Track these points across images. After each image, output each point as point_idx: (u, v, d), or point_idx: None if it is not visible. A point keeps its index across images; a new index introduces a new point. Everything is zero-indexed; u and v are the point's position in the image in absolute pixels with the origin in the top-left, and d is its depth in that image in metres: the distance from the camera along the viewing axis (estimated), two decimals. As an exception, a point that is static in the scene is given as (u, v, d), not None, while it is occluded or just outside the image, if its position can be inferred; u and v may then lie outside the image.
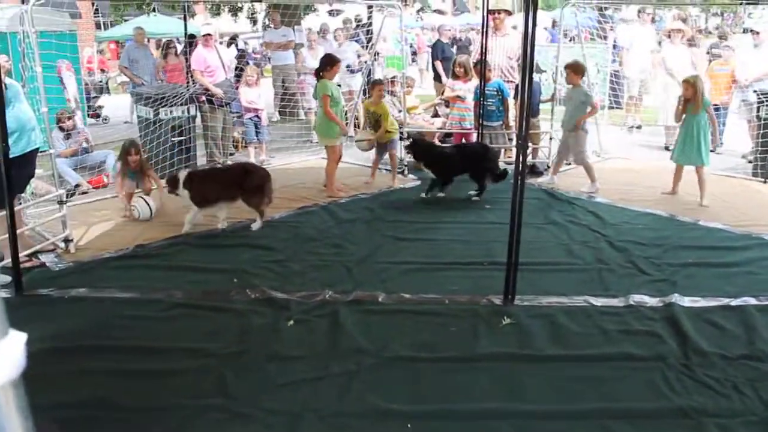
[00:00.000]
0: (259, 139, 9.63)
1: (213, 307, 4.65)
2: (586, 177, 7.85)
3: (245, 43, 20.07)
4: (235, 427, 3.31)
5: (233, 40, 16.96)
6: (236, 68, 11.63)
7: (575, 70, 7.83)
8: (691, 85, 7.28)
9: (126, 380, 3.71)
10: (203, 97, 8.90)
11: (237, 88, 9.82)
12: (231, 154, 9.67)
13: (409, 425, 3.30)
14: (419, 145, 7.60)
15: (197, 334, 4.26)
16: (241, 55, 14.13)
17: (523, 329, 4.30)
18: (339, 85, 8.86)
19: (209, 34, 9.76)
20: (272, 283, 5.02)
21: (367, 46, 10.69)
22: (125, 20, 23.16)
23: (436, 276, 5.18)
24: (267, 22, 13.57)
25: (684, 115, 7.37)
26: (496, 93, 8.45)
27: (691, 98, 7.28)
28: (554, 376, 3.77)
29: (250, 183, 6.30)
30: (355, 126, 10.19)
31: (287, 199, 7.26)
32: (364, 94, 9.24)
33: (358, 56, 10.68)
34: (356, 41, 11.34)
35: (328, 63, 7.47)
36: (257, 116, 9.50)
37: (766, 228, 6.37)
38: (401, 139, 8.49)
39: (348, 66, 10.57)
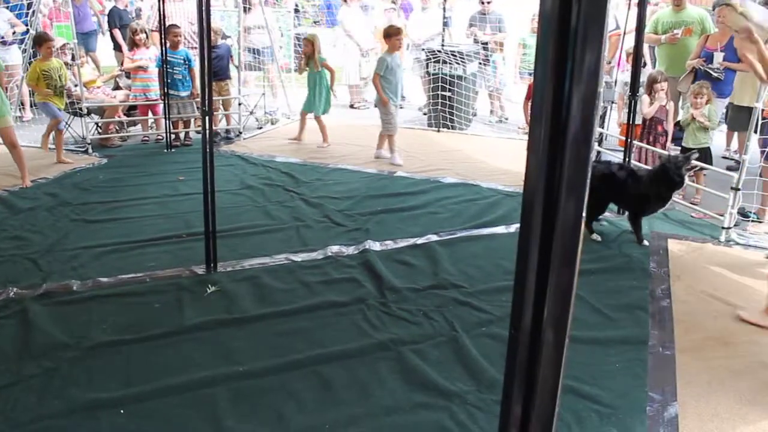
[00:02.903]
0: None
1: None
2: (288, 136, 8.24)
3: None
4: None
5: None
6: None
7: (404, 34, 7.80)
8: (310, 43, 7.97)
9: None
10: None
11: None
12: None
13: (122, 411, 3.18)
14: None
15: None
16: None
17: (229, 294, 4.37)
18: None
19: None
20: (-61, 291, 4.39)
21: (27, 14, 9.54)
22: None
23: (134, 255, 4.98)
24: None
25: (307, 70, 8.20)
26: (183, 62, 8.22)
27: (311, 55, 7.97)
28: (263, 335, 3.90)
29: None
30: (21, 105, 9.22)
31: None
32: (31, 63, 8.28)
33: (12, 26, 9.46)
34: (12, 8, 10.03)
35: None
36: None
37: (441, 172, 7.20)
38: (78, 114, 7.89)
39: (0, 37, 9.37)
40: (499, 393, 3.34)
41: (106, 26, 11.55)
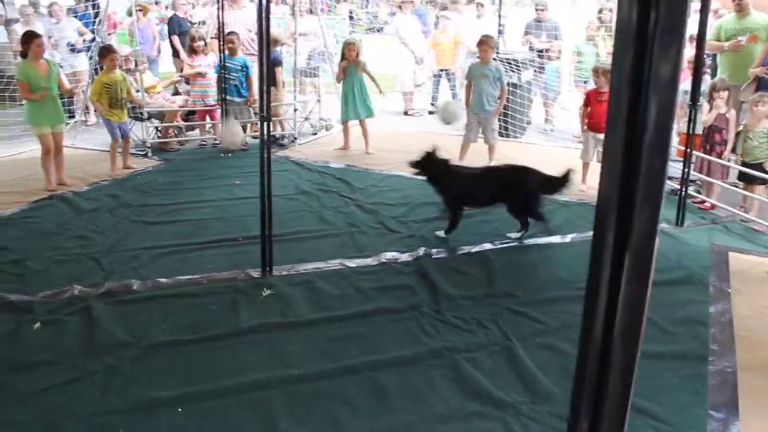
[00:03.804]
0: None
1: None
2: (336, 146, 8.28)
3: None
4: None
5: None
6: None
7: (490, 44, 7.52)
8: (355, 47, 8.07)
9: None
10: None
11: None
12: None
13: (180, 410, 3.25)
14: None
15: None
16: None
17: (284, 298, 4.41)
18: (61, 66, 8.19)
19: None
20: (10, 286, 4.55)
21: (94, 23, 9.89)
22: None
23: (192, 257, 5.09)
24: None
25: (345, 76, 8.21)
26: (240, 69, 8.38)
27: (353, 60, 8.04)
28: (318, 339, 3.93)
29: None
30: (86, 110, 9.52)
31: (15, 193, 6.58)
32: (96, 73, 8.56)
33: (80, 34, 9.84)
34: (80, 17, 10.42)
35: (25, 41, 6.70)
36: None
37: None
38: (139, 119, 8.11)
39: (70, 45, 9.73)
40: (553, 405, 3.30)
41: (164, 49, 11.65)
